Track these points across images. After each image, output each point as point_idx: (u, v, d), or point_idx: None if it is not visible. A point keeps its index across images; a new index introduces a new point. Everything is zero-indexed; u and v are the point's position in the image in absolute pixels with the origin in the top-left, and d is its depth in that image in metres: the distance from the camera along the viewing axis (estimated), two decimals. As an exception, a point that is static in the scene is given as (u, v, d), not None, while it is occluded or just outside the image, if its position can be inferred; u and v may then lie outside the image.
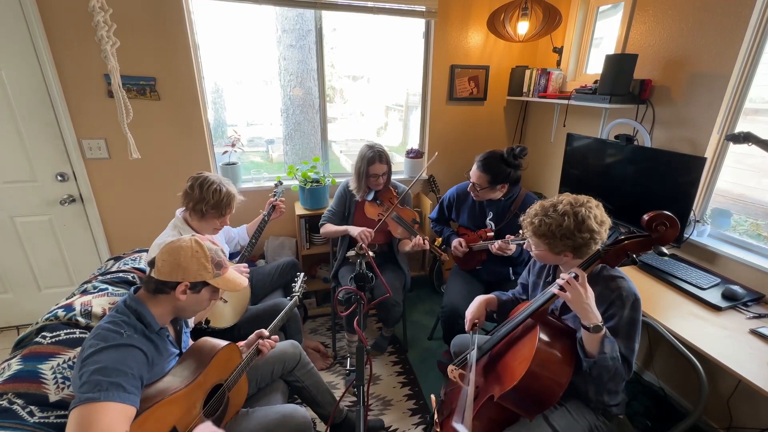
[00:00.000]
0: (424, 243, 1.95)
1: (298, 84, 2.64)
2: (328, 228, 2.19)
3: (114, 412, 0.86)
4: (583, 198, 1.19)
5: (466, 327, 1.43)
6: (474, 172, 1.84)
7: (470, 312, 1.43)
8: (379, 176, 2.03)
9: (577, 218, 1.14)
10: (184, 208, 1.61)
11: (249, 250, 1.84)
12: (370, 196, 2.10)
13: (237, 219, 2.08)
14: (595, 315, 1.07)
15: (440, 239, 2.05)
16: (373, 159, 1.99)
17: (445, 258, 2.00)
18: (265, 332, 1.33)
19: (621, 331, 1.13)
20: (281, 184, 2.11)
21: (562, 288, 1.10)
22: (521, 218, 1.30)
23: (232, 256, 1.95)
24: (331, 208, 2.24)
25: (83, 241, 2.37)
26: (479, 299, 1.46)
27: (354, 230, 2.04)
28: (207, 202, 1.53)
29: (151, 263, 1.05)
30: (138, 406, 0.92)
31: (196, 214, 1.55)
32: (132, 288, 1.09)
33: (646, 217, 1.09)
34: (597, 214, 1.16)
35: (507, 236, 1.78)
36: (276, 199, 1.98)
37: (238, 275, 1.17)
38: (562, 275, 1.14)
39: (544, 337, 1.15)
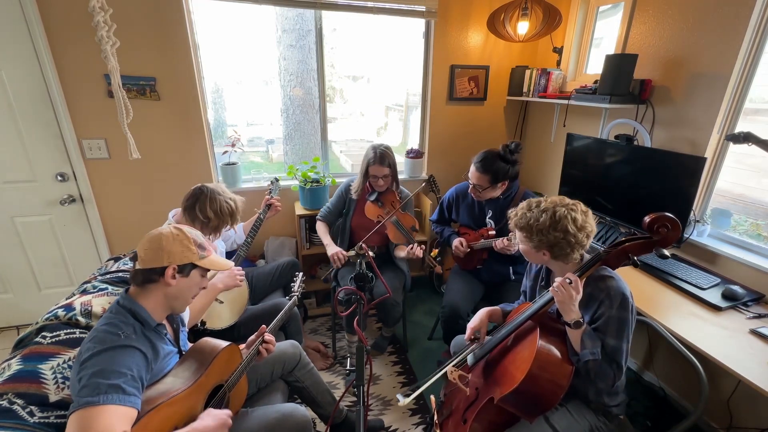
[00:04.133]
0: (419, 252, 1.90)
1: (298, 84, 2.64)
2: (320, 229, 2.23)
3: (113, 415, 0.85)
4: (570, 201, 1.21)
5: (466, 336, 1.42)
6: (473, 174, 1.85)
7: (473, 322, 1.42)
8: (379, 178, 2.03)
9: (554, 217, 1.17)
10: (177, 210, 1.60)
11: (245, 249, 1.84)
12: (373, 197, 2.10)
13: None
14: (575, 312, 1.11)
15: (437, 251, 2.03)
16: (374, 160, 2.00)
17: (438, 271, 1.98)
18: (268, 334, 1.33)
19: (609, 330, 1.13)
20: (277, 181, 2.11)
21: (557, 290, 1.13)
22: (510, 211, 1.34)
23: (228, 255, 1.95)
24: (329, 205, 2.26)
25: (83, 241, 2.37)
26: (483, 311, 1.45)
27: (330, 249, 2.09)
28: (211, 222, 1.53)
29: (134, 257, 1.04)
30: (139, 407, 0.92)
31: (202, 229, 1.54)
32: (124, 288, 1.08)
33: (647, 219, 1.10)
34: (578, 218, 1.17)
35: (510, 233, 1.78)
36: (271, 197, 1.98)
37: (221, 258, 1.17)
38: (557, 279, 1.15)
39: (544, 339, 1.15)
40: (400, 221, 2.04)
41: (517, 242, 1.32)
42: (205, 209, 1.52)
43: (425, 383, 1.31)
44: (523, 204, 1.28)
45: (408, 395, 1.25)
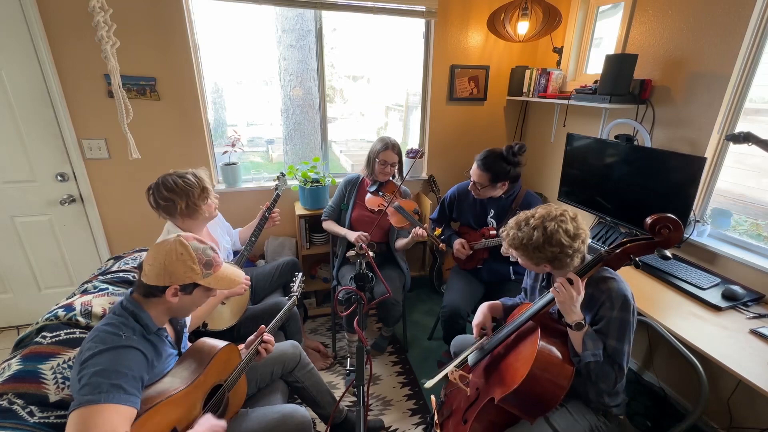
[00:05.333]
0: (423, 233, 1.93)
1: (298, 84, 2.63)
2: (330, 226, 2.25)
3: (114, 414, 0.86)
4: (556, 211, 1.20)
5: (474, 333, 1.42)
6: (474, 171, 1.85)
7: (476, 319, 1.42)
8: (388, 164, 2.10)
9: (546, 232, 1.16)
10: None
11: (249, 248, 1.84)
12: (373, 188, 2.14)
13: (238, 218, 2.08)
14: (577, 314, 1.11)
15: (440, 229, 2.05)
16: (385, 147, 2.08)
17: (443, 248, 2.00)
18: (267, 334, 1.32)
19: (610, 332, 1.13)
20: (283, 176, 2.08)
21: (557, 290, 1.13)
22: (501, 230, 1.33)
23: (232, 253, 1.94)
24: (331, 203, 2.30)
25: (83, 241, 2.37)
26: (484, 306, 1.44)
27: (351, 235, 2.09)
28: (177, 204, 1.47)
29: (140, 267, 1.04)
30: (138, 407, 0.92)
31: (180, 216, 1.51)
32: (129, 290, 1.08)
33: (649, 219, 1.10)
34: (569, 228, 1.17)
35: None
36: (273, 201, 1.96)
37: (234, 270, 1.14)
38: (558, 279, 1.15)
39: (545, 339, 1.15)
40: (402, 206, 2.06)
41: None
42: (163, 194, 1.46)
43: (450, 365, 1.33)
44: (510, 223, 1.27)
45: (432, 377, 1.30)
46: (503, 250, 1.77)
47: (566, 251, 1.16)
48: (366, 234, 2.03)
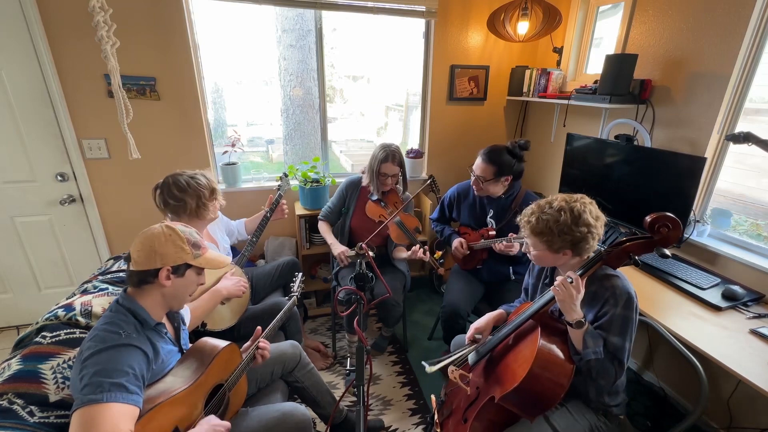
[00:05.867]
0: (424, 254, 1.88)
1: (298, 84, 2.63)
2: (323, 229, 2.22)
3: (118, 413, 0.86)
4: (576, 195, 1.23)
5: (467, 336, 1.41)
6: (479, 164, 1.84)
7: (478, 323, 1.40)
8: (389, 176, 2.03)
9: (573, 213, 1.16)
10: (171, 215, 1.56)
11: (249, 249, 1.84)
12: (375, 197, 2.11)
13: (237, 218, 2.08)
14: (577, 312, 1.11)
15: (440, 253, 2.02)
16: (386, 158, 2.00)
17: (441, 272, 1.98)
18: (263, 340, 1.30)
19: (612, 329, 1.13)
20: (286, 177, 2.08)
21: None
22: (518, 218, 1.31)
23: (232, 252, 1.94)
24: (329, 204, 2.26)
25: (83, 241, 2.37)
26: (490, 316, 1.42)
27: (336, 249, 2.06)
28: (188, 204, 1.48)
29: (128, 258, 1.03)
30: (141, 406, 0.92)
31: (188, 216, 1.51)
32: (123, 288, 1.08)
33: (648, 218, 1.10)
34: (591, 209, 1.19)
35: (510, 234, 1.78)
36: (280, 197, 1.96)
37: (219, 254, 1.16)
38: (558, 278, 1.15)
39: (545, 338, 1.15)
40: (404, 222, 2.03)
41: (523, 243, 1.31)
42: (174, 194, 1.48)
43: (453, 355, 1.32)
44: (532, 208, 1.24)
45: (434, 364, 1.28)
46: (501, 245, 1.78)
47: (592, 232, 1.16)
48: (347, 256, 1.98)
